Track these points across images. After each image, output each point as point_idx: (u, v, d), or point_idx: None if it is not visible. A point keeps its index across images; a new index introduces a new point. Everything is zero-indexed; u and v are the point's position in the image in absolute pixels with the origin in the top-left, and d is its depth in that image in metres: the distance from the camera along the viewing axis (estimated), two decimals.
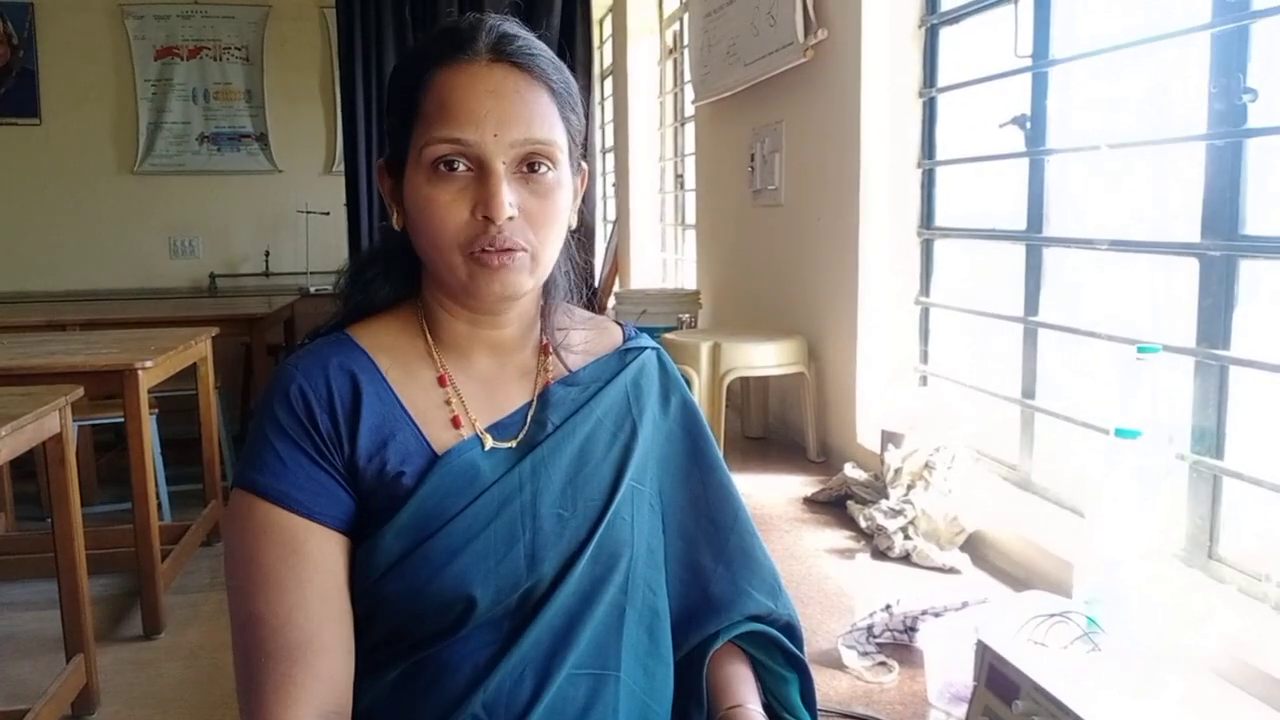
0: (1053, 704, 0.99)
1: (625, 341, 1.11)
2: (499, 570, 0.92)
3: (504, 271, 0.92)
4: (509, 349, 1.03)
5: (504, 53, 0.92)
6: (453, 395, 0.98)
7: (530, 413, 1.01)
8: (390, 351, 0.99)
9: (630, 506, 1.01)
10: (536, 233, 0.93)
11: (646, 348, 1.11)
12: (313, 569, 0.90)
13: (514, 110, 0.91)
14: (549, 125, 0.93)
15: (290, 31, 6.42)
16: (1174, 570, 1.40)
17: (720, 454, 1.13)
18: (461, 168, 0.90)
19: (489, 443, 0.97)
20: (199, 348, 3.87)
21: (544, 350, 1.05)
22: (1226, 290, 1.39)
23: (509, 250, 0.91)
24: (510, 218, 0.90)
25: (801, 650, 1.08)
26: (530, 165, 0.92)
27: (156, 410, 4.16)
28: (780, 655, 1.06)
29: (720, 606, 1.05)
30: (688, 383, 2.38)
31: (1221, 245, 1.38)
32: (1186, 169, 1.46)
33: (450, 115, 0.90)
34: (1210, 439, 1.41)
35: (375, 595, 0.92)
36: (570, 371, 1.04)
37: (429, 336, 1.00)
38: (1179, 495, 1.43)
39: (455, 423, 0.97)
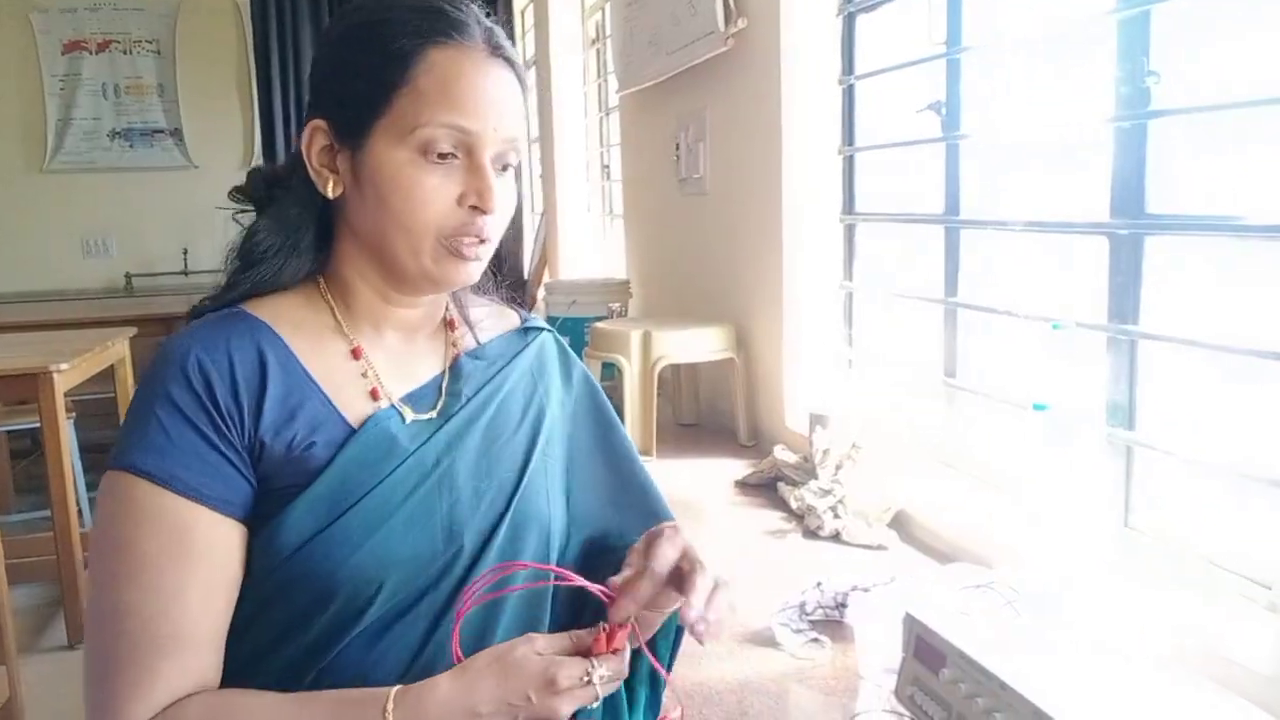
0: (978, 671, 1.02)
1: (523, 322, 1.13)
2: (416, 545, 0.91)
3: (475, 262, 0.93)
4: (417, 325, 1.02)
5: (497, 46, 0.92)
6: (368, 367, 0.97)
7: (443, 384, 1.01)
8: (295, 324, 0.95)
9: (544, 478, 1.03)
10: (500, 226, 0.94)
11: (544, 329, 1.13)
12: (198, 559, 0.84)
13: (508, 106, 0.92)
14: (522, 124, 0.94)
15: (203, 24, 6.25)
16: (1091, 539, 1.45)
17: (617, 418, 1.18)
18: (451, 154, 0.89)
19: (409, 416, 0.96)
20: (116, 349, 3.77)
21: (449, 325, 1.06)
22: (1134, 267, 1.44)
23: (485, 241, 0.92)
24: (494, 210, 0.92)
25: None
26: (503, 161, 0.93)
27: (74, 414, 4.05)
28: None
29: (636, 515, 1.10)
30: (618, 371, 2.41)
31: (1129, 224, 1.43)
32: (1096, 151, 1.50)
33: (457, 101, 0.88)
34: (1123, 412, 1.46)
35: (283, 576, 0.87)
36: (479, 344, 1.06)
37: (336, 311, 0.98)
38: (1094, 467, 1.47)
39: (374, 394, 0.95)
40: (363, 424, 0.92)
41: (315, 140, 0.94)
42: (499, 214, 0.92)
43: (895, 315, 2.17)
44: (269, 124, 4.63)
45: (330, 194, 0.94)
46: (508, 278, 4.61)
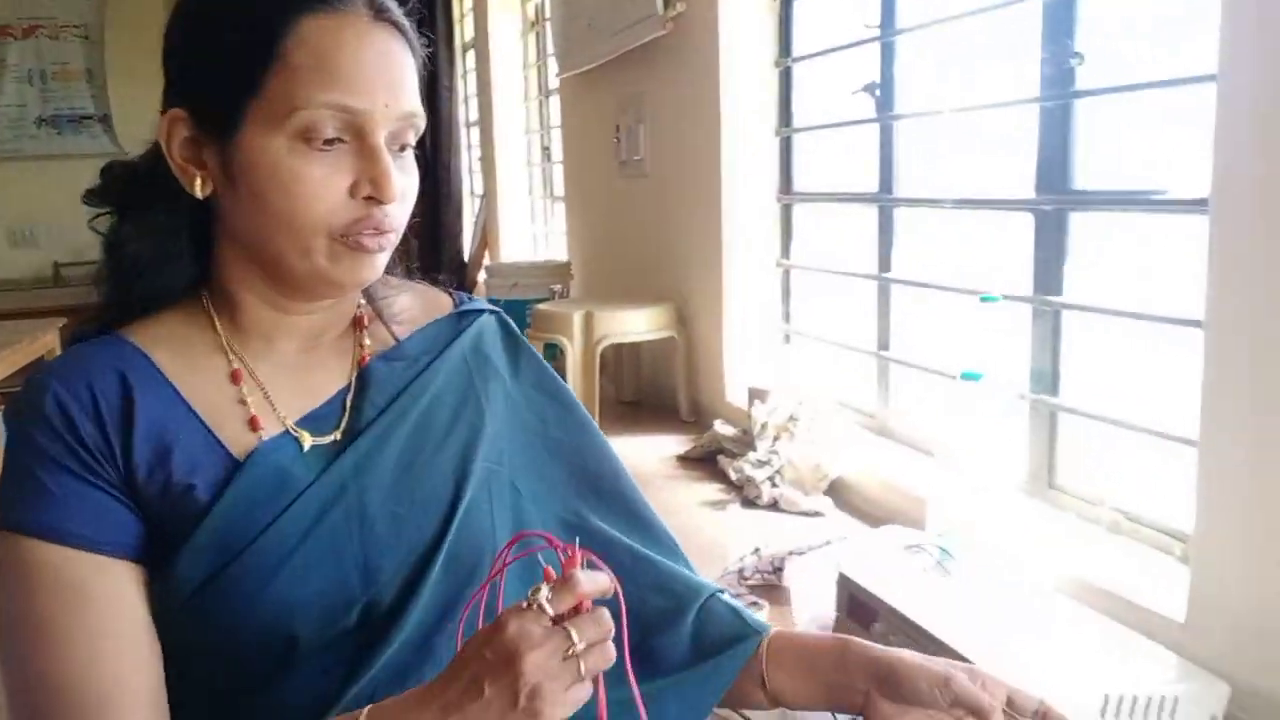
0: (907, 624, 1.06)
1: (457, 306, 0.96)
2: (326, 589, 0.78)
3: (377, 256, 0.79)
4: (319, 330, 0.87)
5: (381, 10, 0.79)
6: (250, 392, 0.82)
7: (349, 397, 0.85)
8: (170, 345, 0.82)
9: (487, 492, 0.88)
10: (403, 214, 0.81)
11: (484, 310, 0.96)
12: (103, 611, 0.74)
13: (400, 79, 0.78)
14: (418, 98, 0.81)
15: (132, 8, 6.10)
16: (1017, 499, 1.51)
17: (587, 412, 1.02)
18: (338, 139, 0.76)
19: (308, 441, 0.82)
20: (46, 340, 3.68)
21: (358, 324, 0.89)
22: (1058, 241, 1.50)
23: (387, 233, 0.79)
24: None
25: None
26: (400, 140, 0.80)
27: (2, 408, 3.96)
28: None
29: (691, 587, 0.94)
30: (560, 352, 2.43)
31: (1053, 200, 1.49)
32: (1022, 130, 1.55)
33: (336, 77, 0.74)
34: (1047, 379, 1.51)
35: (177, 638, 0.76)
36: (396, 342, 0.90)
37: (220, 327, 0.84)
38: (1020, 431, 1.53)
39: (254, 423, 0.81)
40: (248, 458, 0.79)
41: (175, 132, 0.82)
42: (400, 202, 0.79)
43: (831, 291, 2.21)
44: None
45: (199, 193, 0.81)
46: (447, 261, 4.54)
